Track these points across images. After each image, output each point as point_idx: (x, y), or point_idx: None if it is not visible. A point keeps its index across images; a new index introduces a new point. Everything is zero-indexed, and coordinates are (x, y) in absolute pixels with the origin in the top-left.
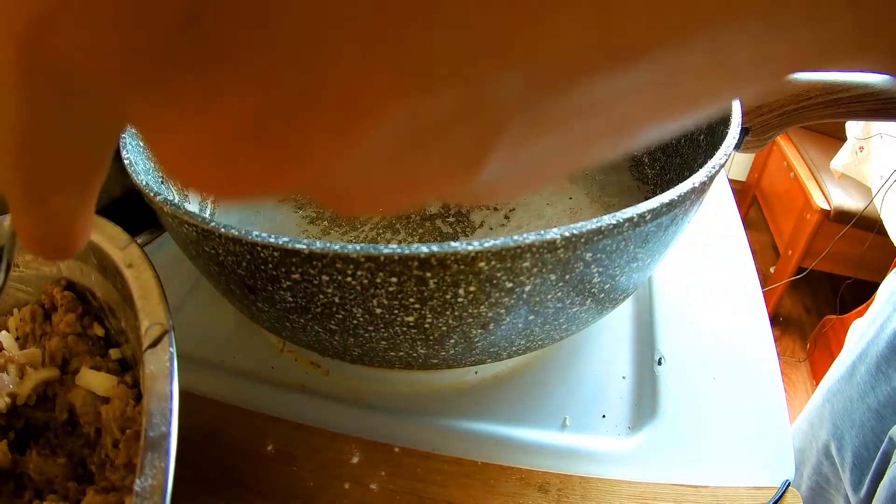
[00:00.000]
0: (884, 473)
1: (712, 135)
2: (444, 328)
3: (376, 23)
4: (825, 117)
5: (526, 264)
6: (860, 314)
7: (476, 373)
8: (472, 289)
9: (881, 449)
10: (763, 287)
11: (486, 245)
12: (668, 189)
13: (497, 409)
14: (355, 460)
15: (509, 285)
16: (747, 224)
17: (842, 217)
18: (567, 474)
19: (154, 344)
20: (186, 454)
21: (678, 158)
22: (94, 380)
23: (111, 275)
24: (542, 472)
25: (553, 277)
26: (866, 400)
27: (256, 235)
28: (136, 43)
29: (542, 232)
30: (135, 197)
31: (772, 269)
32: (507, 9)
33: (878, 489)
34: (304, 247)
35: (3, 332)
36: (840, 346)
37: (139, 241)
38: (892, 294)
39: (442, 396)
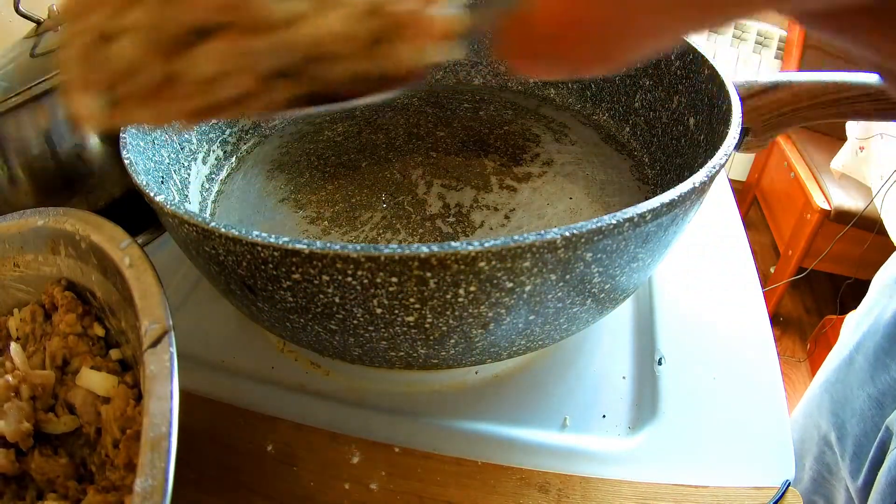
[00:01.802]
0: (882, 462)
1: (712, 135)
2: (444, 328)
3: None
4: (825, 117)
5: (526, 264)
6: None
7: (476, 373)
8: (472, 289)
9: (878, 437)
10: (763, 287)
11: (487, 245)
12: (669, 189)
13: (497, 409)
14: (355, 460)
15: (510, 285)
16: (747, 224)
17: (842, 217)
18: (567, 474)
19: (154, 344)
20: (186, 454)
21: (678, 158)
22: (95, 380)
23: (111, 275)
24: (542, 473)
25: (553, 277)
26: (866, 388)
27: (256, 235)
28: None
29: (543, 232)
30: (135, 197)
31: (772, 269)
32: None
33: (878, 477)
34: (305, 247)
35: (14, 344)
36: None
37: (139, 241)
38: (886, 285)
39: (442, 396)
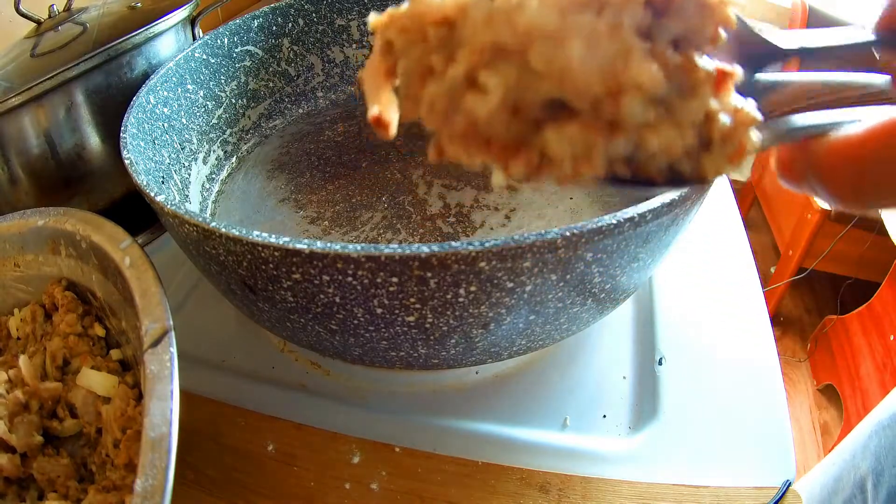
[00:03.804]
0: None
1: None
2: (444, 328)
3: None
4: None
5: (527, 264)
6: (861, 314)
7: (477, 373)
8: (472, 289)
9: None
10: (763, 287)
11: (487, 245)
12: (669, 189)
13: (498, 409)
14: (356, 460)
15: (510, 285)
16: (748, 224)
17: (842, 217)
18: (568, 474)
19: (155, 344)
20: (186, 454)
21: None
22: (95, 380)
23: (112, 275)
24: (542, 473)
25: (554, 277)
26: None
27: (257, 235)
28: None
29: (543, 232)
30: (135, 197)
31: (772, 269)
32: None
33: None
34: (305, 247)
35: (23, 357)
36: (841, 346)
37: (139, 241)
38: None
39: (442, 396)
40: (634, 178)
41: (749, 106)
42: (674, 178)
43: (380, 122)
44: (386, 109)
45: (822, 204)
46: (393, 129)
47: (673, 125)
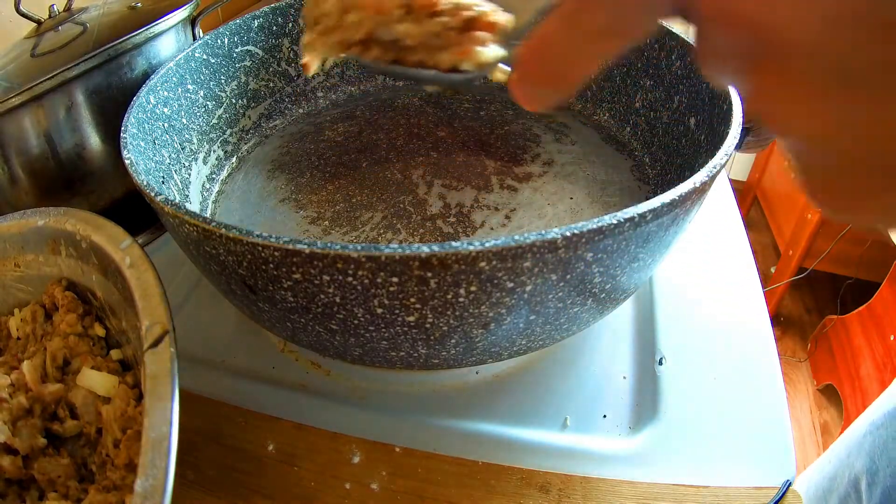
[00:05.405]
0: None
1: (713, 135)
2: (444, 328)
3: None
4: None
5: (527, 264)
6: (861, 314)
7: (477, 373)
8: (473, 289)
9: None
10: (764, 287)
11: (488, 245)
12: (669, 189)
13: (498, 409)
14: (356, 460)
15: (510, 285)
16: (748, 224)
17: None
18: (568, 474)
19: (155, 344)
20: (186, 454)
21: (679, 158)
22: (95, 380)
23: (112, 275)
24: (542, 473)
25: (554, 277)
26: None
27: (257, 235)
28: None
29: (543, 232)
30: (135, 197)
31: (772, 269)
32: None
33: None
34: (305, 247)
35: (26, 363)
36: (841, 346)
37: (139, 241)
38: None
39: (442, 396)
40: (403, 64)
41: (484, 25)
42: (425, 66)
43: (306, 66)
44: (311, 59)
45: None
46: (312, 69)
47: (412, 23)
